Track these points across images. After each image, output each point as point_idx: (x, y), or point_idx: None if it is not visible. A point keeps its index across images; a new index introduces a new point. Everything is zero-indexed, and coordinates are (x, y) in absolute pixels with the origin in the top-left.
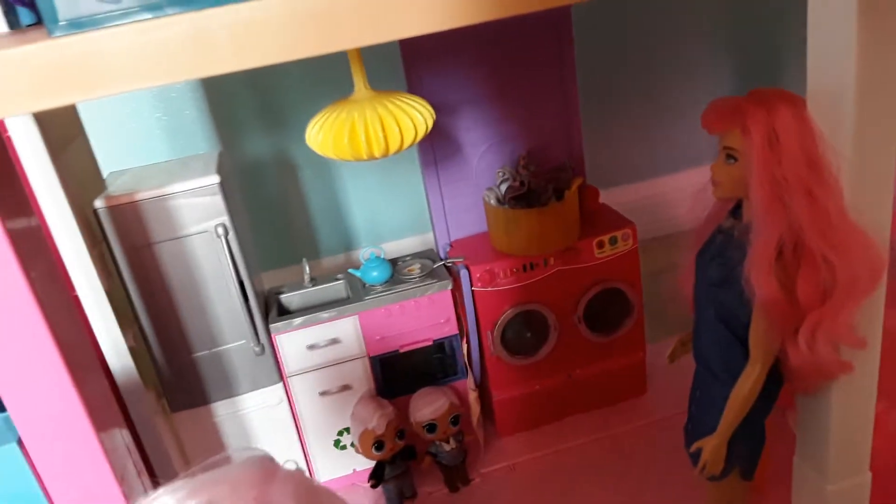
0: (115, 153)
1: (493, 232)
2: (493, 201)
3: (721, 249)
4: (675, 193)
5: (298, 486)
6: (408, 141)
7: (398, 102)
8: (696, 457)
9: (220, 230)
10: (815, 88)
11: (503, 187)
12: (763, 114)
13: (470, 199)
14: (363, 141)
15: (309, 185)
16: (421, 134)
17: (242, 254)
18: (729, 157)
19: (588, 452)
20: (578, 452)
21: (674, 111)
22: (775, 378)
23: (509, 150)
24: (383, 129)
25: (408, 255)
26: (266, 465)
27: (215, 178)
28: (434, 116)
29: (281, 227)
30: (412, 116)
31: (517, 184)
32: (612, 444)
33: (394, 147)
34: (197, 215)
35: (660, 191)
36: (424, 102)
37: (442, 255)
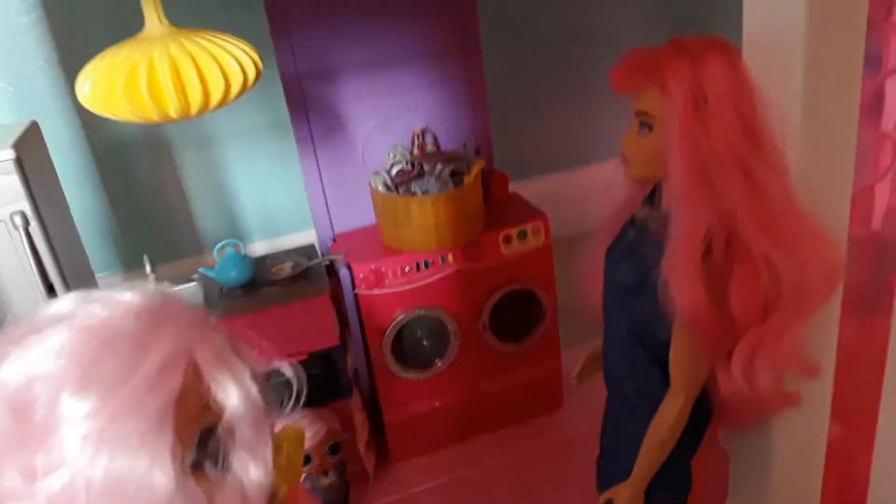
0: None
1: (381, 224)
2: (380, 187)
3: (634, 246)
4: (599, 185)
5: (198, 318)
6: (216, 96)
7: (205, 42)
8: None
9: (18, 219)
10: (752, 33)
11: (394, 170)
12: (686, 67)
13: (356, 186)
14: (145, 93)
15: (183, 170)
16: (236, 88)
17: (54, 250)
18: (643, 125)
19: (496, 477)
20: (485, 478)
21: (599, 91)
22: (703, 410)
23: (402, 128)
24: (178, 77)
25: (280, 252)
26: (168, 296)
27: (8, 154)
28: (260, 65)
29: (144, 220)
30: (222, 61)
31: (409, 166)
32: (524, 466)
33: (196, 103)
34: None
35: (580, 181)
36: (246, 44)
37: (324, 252)
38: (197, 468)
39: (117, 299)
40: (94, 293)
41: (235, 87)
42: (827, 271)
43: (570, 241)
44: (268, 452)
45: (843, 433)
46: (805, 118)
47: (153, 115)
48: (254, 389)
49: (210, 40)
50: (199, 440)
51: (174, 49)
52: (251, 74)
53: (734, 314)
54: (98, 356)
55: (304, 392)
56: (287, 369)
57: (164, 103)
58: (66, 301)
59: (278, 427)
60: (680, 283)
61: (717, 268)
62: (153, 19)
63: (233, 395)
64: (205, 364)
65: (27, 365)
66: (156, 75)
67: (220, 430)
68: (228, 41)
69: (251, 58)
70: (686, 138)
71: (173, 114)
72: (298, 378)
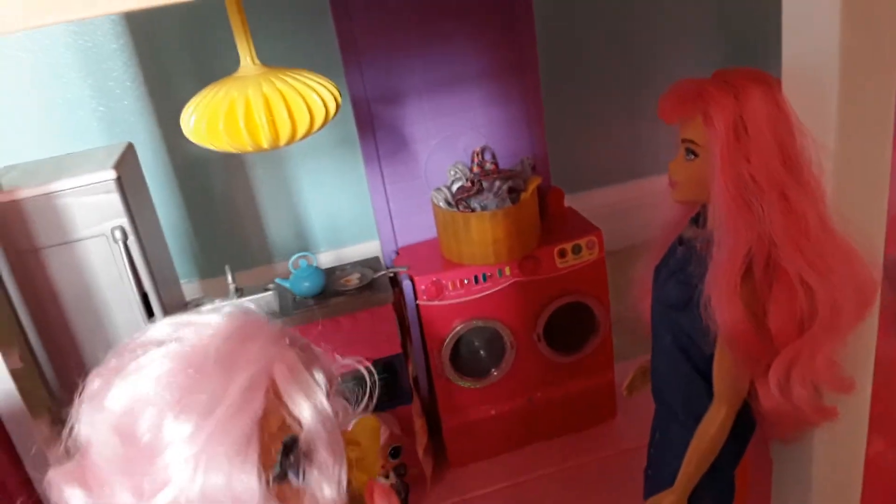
0: (40, 142)
1: (442, 238)
2: (442, 203)
3: (681, 265)
4: (652, 198)
5: (275, 336)
6: (302, 128)
7: (292, 81)
8: None
9: (118, 234)
10: (791, 67)
11: (455, 187)
12: (729, 99)
13: (419, 201)
14: (243, 127)
15: (256, 184)
16: (320, 120)
17: (148, 261)
18: (689, 151)
19: (551, 485)
20: (540, 485)
21: (652, 107)
22: (745, 420)
23: (463, 146)
24: (269, 113)
25: (347, 264)
26: (250, 315)
27: (111, 174)
28: (339, 100)
29: (221, 230)
30: (307, 98)
31: (469, 183)
32: (578, 475)
33: (285, 135)
34: (90, 216)
35: (635, 195)
36: (328, 81)
37: (388, 264)
38: (282, 478)
39: (205, 323)
40: (184, 317)
41: (319, 121)
42: (861, 292)
43: (626, 252)
44: (341, 471)
45: (885, 447)
46: (839, 147)
47: (248, 147)
48: (326, 405)
49: (296, 78)
50: (283, 452)
51: (266, 88)
52: (332, 108)
53: (772, 331)
54: (193, 382)
55: (377, 390)
56: (361, 369)
57: (258, 136)
58: (160, 327)
59: (354, 421)
60: (721, 300)
61: (757, 287)
62: (247, 60)
63: (306, 412)
64: (282, 383)
65: (130, 392)
66: (251, 111)
67: (301, 441)
68: (312, 79)
69: (332, 93)
70: (728, 165)
71: (265, 145)
72: (371, 377)
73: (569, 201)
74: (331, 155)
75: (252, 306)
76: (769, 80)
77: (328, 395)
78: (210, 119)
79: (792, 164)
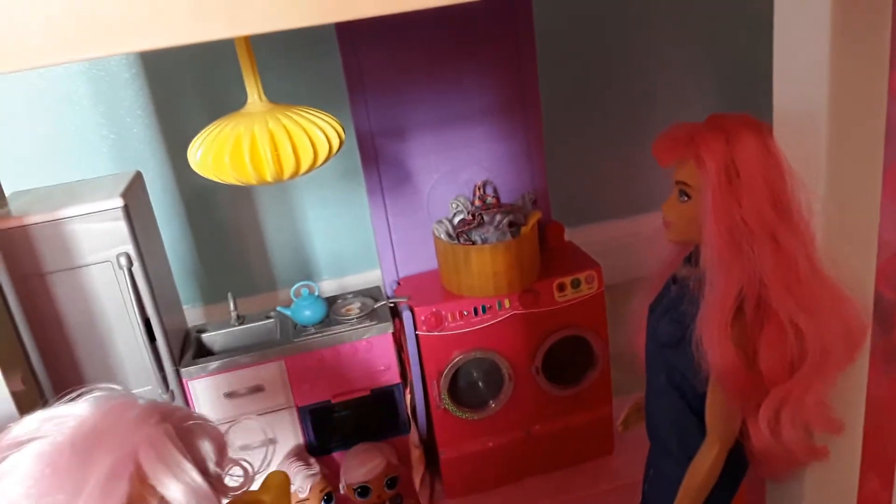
0: (51, 168)
1: (443, 270)
2: (443, 235)
3: (674, 303)
4: (651, 233)
5: (141, 415)
6: (305, 163)
7: (297, 117)
8: None
9: (123, 260)
10: (781, 112)
11: (457, 220)
12: (720, 143)
13: (421, 233)
14: (248, 161)
15: (262, 212)
16: (323, 156)
17: (151, 287)
18: (682, 193)
19: None
20: None
21: (650, 144)
22: (738, 458)
23: (465, 180)
24: (274, 148)
25: (349, 293)
26: (116, 399)
27: (118, 202)
28: (343, 136)
29: (226, 258)
30: (311, 134)
31: (470, 217)
32: None
33: (288, 170)
34: (96, 243)
35: (635, 230)
36: (332, 118)
37: (389, 294)
38: None
39: (68, 415)
40: (49, 412)
41: (322, 156)
42: (850, 334)
43: (625, 287)
44: None
45: (880, 486)
46: (829, 191)
47: (252, 180)
48: (199, 481)
49: (301, 115)
50: None
51: (272, 124)
52: (335, 145)
53: (763, 371)
54: (49, 481)
55: (273, 448)
56: (258, 426)
57: (262, 170)
58: (24, 425)
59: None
60: (712, 339)
61: (748, 327)
62: (254, 97)
63: (177, 493)
64: (147, 464)
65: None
66: (256, 147)
67: None
68: (317, 115)
69: (336, 130)
70: (719, 207)
71: (269, 179)
72: (265, 433)
73: (569, 235)
74: (335, 186)
75: (117, 388)
76: (760, 126)
77: (219, 463)
78: (216, 153)
79: (782, 207)
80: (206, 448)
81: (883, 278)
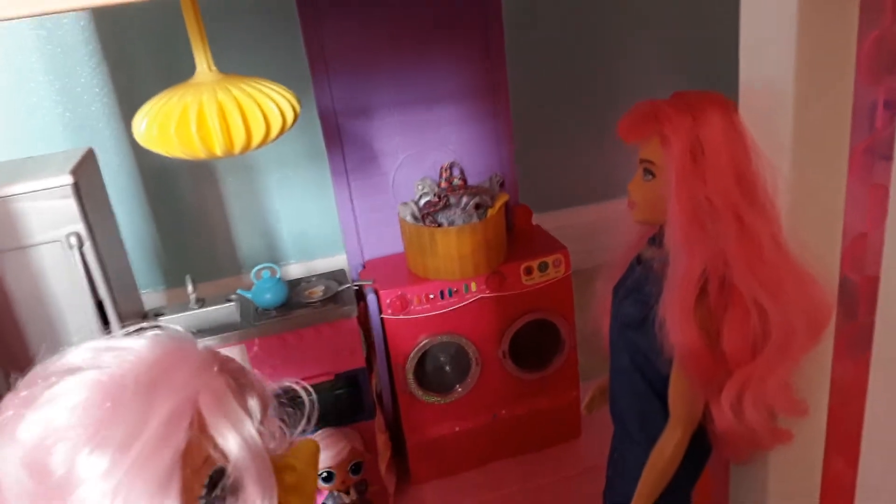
0: (4, 145)
1: (408, 253)
2: (408, 217)
3: (638, 284)
4: (619, 218)
5: (203, 361)
6: (257, 137)
7: (249, 88)
8: None
9: (73, 240)
10: (747, 90)
11: (422, 202)
12: (686, 120)
13: (387, 215)
14: (195, 133)
15: (226, 194)
16: (276, 129)
17: (104, 268)
18: (647, 171)
19: (514, 503)
20: (503, 503)
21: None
22: (702, 442)
23: (431, 162)
24: (223, 120)
25: (313, 277)
26: (177, 340)
27: (67, 179)
28: (298, 109)
29: (189, 240)
30: (263, 106)
31: (436, 198)
32: (542, 493)
33: (239, 143)
34: (45, 222)
35: (603, 215)
36: (286, 90)
37: (354, 277)
38: None
39: (126, 348)
40: (106, 342)
41: (275, 129)
42: (814, 315)
43: (593, 272)
44: (271, 500)
45: (844, 466)
46: (794, 170)
47: (201, 153)
48: (255, 437)
49: (253, 86)
50: (210, 482)
51: (221, 95)
52: (289, 118)
53: (726, 352)
54: (110, 414)
55: (316, 414)
56: (300, 391)
57: (211, 143)
58: (78, 352)
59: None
60: (675, 320)
61: (712, 308)
62: (203, 67)
63: (234, 445)
64: (208, 413)
65: (42, 424)
66: (205, 118)
67: (228, 475)
68: (270, 87)
69: (290, 103)
70: (683, 186)
71: (219, 152)
72: (311, 400)
73: (537, 220)
74: (301, 167)
75: (180, 329)
76: (726, 103)
77: (262, 422)
78: (161, 124)
79: (747, 186)
80: (253, 404)
81: (848, 261)
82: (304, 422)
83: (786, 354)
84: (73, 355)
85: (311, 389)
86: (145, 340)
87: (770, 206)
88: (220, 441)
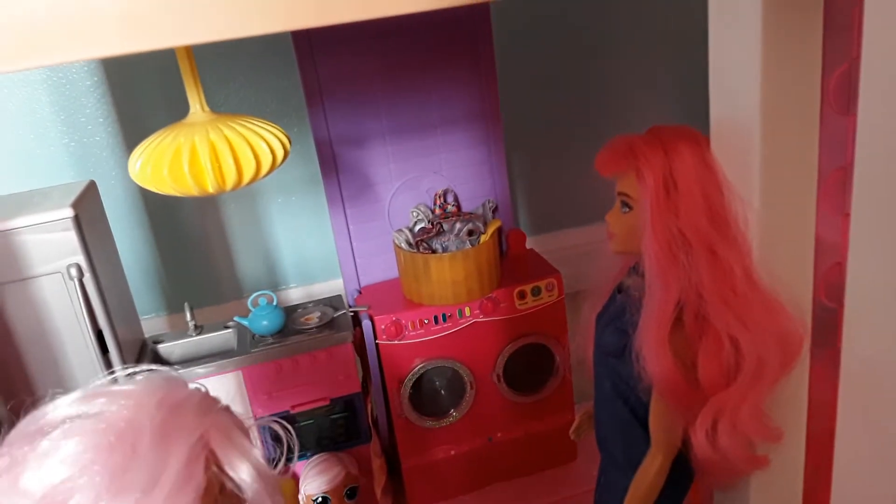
0: (8, 177)
1: (403, 279)
2: (403, 244)
3: (619, 312)
4: (602, 243)
5: (202, 401)
6: (247, 175)
7: (240, 128)
8: None
9: (73, 271)
10: (717, 124)
11: (417, 228)
12: (659, 155)
13: (382, 241)
14: (187, 173)
15: (227, 220)
16: (266, 167)
17: (104, 298)
18: (624, 204)
19: None
20: None
21: None
22: (684, 467)
23: (426, 188)
24: (216, 159)
25: (309, 303)
26: (171, 382)
27: (68, 212)
28: (288, 147)
29: (191, 266)
30: (254, 145)
31: (430, 225)
32: None
33: (230, 181)
34: (46, 254)
35: (596, 239)
36: (277, 128)
37: (350, 303)
38: None
39: (124, 392)
40: (98, 388)
41: (265, 167)
42: (786, 346)
43: (587, 295)
44: None
45: (827, 489)
46: (764, 203)
47: (193, 191)
48: (262, 461)
49: (244, 125)
50: None
51: (213, 135)
52: (279, 155)
53: (701, 381)
54: (126, 461)
55: (296, 449)
56: (276, 428)
57: (203, 181)
58: (73, 399)
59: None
60: (651, 349)
61: (687, 337)
62: (196, 107)
63: (246, 474)
64: (220, 450)
65: (50, 472)
66: (197, 157)
67: (246, 499)
68: (261, 126)
69: (280, 141)
70: (657, 219)
71: (210, 189)
72: (287, 436)
73: (531, 244)
74: (302, 193)
75: (165, 369)
76: (699, 138)
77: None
78: (155, 164)
79: (719, 220)
80: (251, 434)
81: (825, 288)
82: (283, 459)
83: (758, 383)
84: (69, 404)
85: (289, 428)
86: (141, 384)
87: (742, 239)
88: (233, 474)
